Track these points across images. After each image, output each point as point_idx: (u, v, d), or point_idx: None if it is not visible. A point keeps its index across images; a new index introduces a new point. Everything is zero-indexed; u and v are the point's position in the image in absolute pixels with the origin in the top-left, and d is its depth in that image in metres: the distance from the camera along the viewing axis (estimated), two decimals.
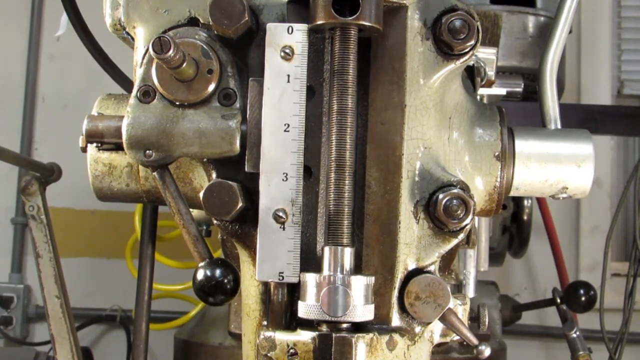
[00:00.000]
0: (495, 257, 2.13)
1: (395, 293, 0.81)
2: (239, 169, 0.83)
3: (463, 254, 1.54)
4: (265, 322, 0.84)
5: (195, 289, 0.83)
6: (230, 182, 0.81)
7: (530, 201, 2.15)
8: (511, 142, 0.95)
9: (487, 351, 0.83)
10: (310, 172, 0.83)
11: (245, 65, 0.85)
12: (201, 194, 0.82)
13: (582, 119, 1.94)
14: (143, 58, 0.85)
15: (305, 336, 0.77)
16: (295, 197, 0.80)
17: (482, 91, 1.21)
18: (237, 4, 0.81)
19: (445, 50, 0.83)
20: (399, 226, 0.81)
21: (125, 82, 1.44)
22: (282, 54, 0.81)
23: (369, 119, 0.83)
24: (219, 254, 1.48)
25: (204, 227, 1.87)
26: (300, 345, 0.77)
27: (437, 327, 0.86)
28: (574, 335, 1.82)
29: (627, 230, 3.02)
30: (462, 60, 0.84)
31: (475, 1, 1.85)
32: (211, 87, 0.83)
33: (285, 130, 0.80)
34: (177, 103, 0.83)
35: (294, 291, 0.80)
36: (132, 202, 1.02)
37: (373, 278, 0.78)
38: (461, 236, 0.83)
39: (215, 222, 0.84)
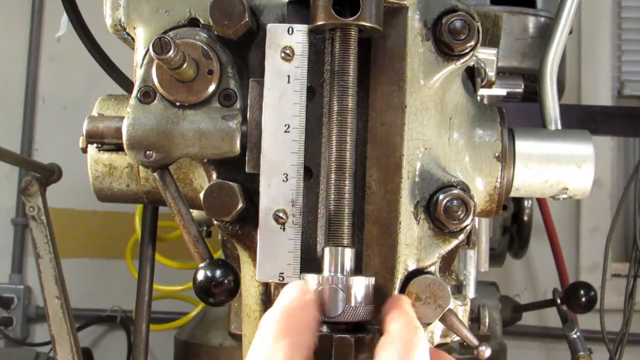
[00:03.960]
0: (496, 258, 2.13)
1: (396, 294, 0.81)
2: (239, 170, 0.83)
3: (463, 255, 1.54)
4: None
5: (196, 289, 0.83)
6: (230, 183, 0.81)
7: (530, 202, 2.15)
8: (511, 143, 0.95)
9: (487, 352, 0.83)
10: (310, 172, 0.83)
11: (245, 66, 0.85)
12: (201, 195, 0.82)
13: (582, 119, 1.94)
14: (143, 59, 0.85)
15: None
16: (296, 197, 0.80)
17: (483, 92, 1.21)
18: (237, 4, 0.81)
19: (446, 51, 0.83)
20: (399, 227, 0.81)
21: (126, 83, 1.44)
22: (283, 54, 0.81)
23: (369, 119, 0.83)
24: (219, 254, 1.48)
25: (205, 228, 1.87)
26: None
27: (437, 327, 0.86)
28: (575, 336, 1.82)
29: (628, 231, 3.02)
30: (462, 61, 0.84)
31: (475, 2, 1.85)
32: (211, 88, 0.83)
33: (285, 131, 0.80)
34: (178, 104, 0.83)
35: None
36: (132, 203, 1.02)
37: (373, 279, 0.78)
38: (461, 237, 0.83)
39: (215, 222, 0.84)
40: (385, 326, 0.74)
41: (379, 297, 0.79)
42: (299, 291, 0.74)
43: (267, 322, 0.71)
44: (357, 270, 0.80)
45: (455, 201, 0.80)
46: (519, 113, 1.75)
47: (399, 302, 0.77)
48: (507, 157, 0.92)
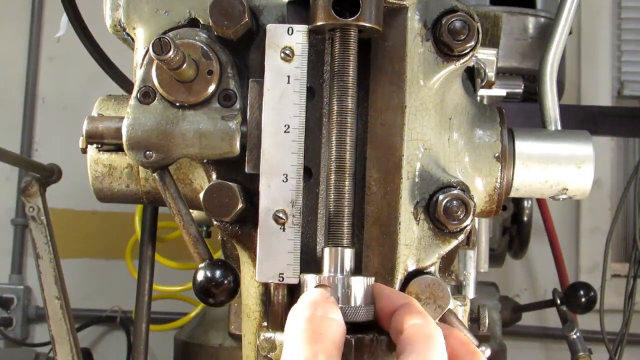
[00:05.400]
0: (496, 258, 2.13)
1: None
2: (238, 170, 0.83)
3: (463, 255, 1.54)
4: (265, 323, 0.84)
5: (196, 290, 0.83)
6: (230, 183, 0.81)
7: (530, 202, 2.15)
8: (511, 143, 0.95)
9: (487, 352, 0.83)
10: (310, 173, 0.83)
11: (245, 66, 0.85)
12: (201, 195, 0.82)
13: (582, 120, 1.94)
14: (143, 59, 0.85)
15: None
16: (295, 198, 0.80)
17: (482, 92, 1.21)
18: (237, 5, 0.81)
19: (446, 51, 0.83)
20: (399, 227, 0.81)
21: (126, 83, 1.44)
22: (282, 55, 0.81)
23: (369, 120, 0.83)
24: (219, 255, 1.48)
25: (204, 228, 1.87)
26: None
27: None
28: (574, 336, 1.83)
29: (627, 231, 3.02)
30: (462, 61, 0.84)
31: (475, 2, 1.85)
32: (211, 88, 0.83)
33: (285, 131, 0.80)
34: (177, 104, 0.83)
35: (294, 292, 0.80)
36: (132, 203, 1.02)
37: (373, 279, 0.78)
38: (461, 237, 0.83)
39: (215, 223, 0.84)
40: (401, 326, 0.71)
41: None
42: (320, 293, 0.73)
43: (297, 322, 0.69)
44: (357, 270, 0.80)
45: (455, 201, 0.80)
46: (519, 113, 1.75)
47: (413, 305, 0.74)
48: (507, 158, 0.92)
